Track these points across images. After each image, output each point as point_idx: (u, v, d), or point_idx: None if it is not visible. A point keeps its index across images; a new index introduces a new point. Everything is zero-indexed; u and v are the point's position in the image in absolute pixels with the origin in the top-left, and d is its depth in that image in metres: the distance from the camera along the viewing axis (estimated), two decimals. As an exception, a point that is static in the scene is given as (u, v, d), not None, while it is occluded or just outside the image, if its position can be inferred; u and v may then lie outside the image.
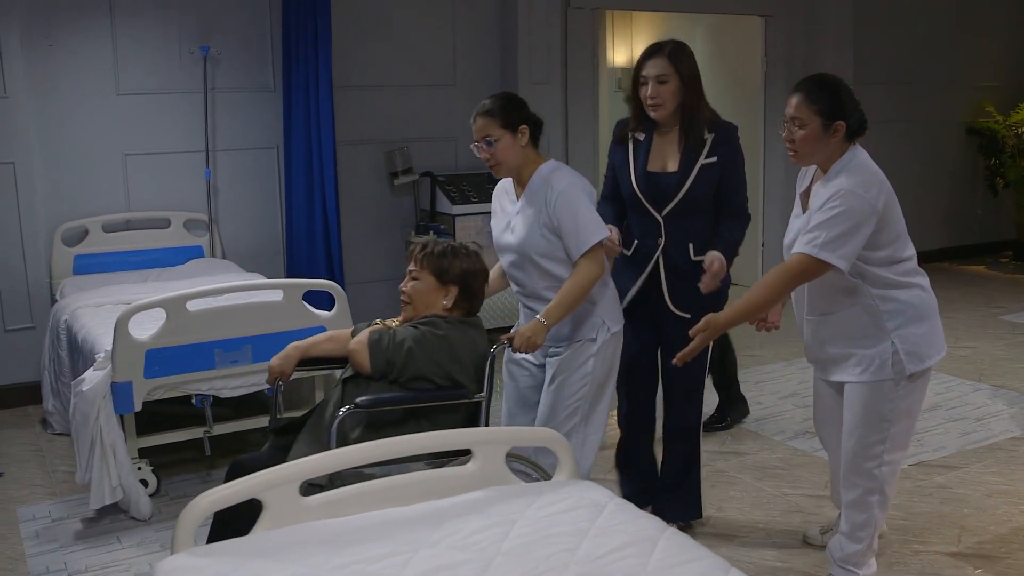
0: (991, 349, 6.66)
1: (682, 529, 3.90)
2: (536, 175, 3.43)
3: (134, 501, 4.16)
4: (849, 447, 3.36)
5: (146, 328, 4.24)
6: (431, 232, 6.65)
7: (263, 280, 5.34)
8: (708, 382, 4.05)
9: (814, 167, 3.33)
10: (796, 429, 5.12)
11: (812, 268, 3.08)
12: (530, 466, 2.95)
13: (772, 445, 4.94)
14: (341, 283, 6.22)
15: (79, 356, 4.71)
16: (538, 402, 3.61)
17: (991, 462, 4.65)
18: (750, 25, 8.35)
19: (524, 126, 3.38)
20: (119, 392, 4.09)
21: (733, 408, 5.21)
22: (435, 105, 7.03)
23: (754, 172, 8.16)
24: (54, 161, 5.88)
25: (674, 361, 3.22)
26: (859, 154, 3.19)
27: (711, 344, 3.79)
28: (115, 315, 4.18)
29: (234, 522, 2.50)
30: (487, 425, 3.23)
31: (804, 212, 3.30)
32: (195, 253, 6.18)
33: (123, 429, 4.17)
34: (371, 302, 6.70)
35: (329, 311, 4.56)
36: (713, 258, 3.58)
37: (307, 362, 3.42)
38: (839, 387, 3.41)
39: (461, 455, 2.78)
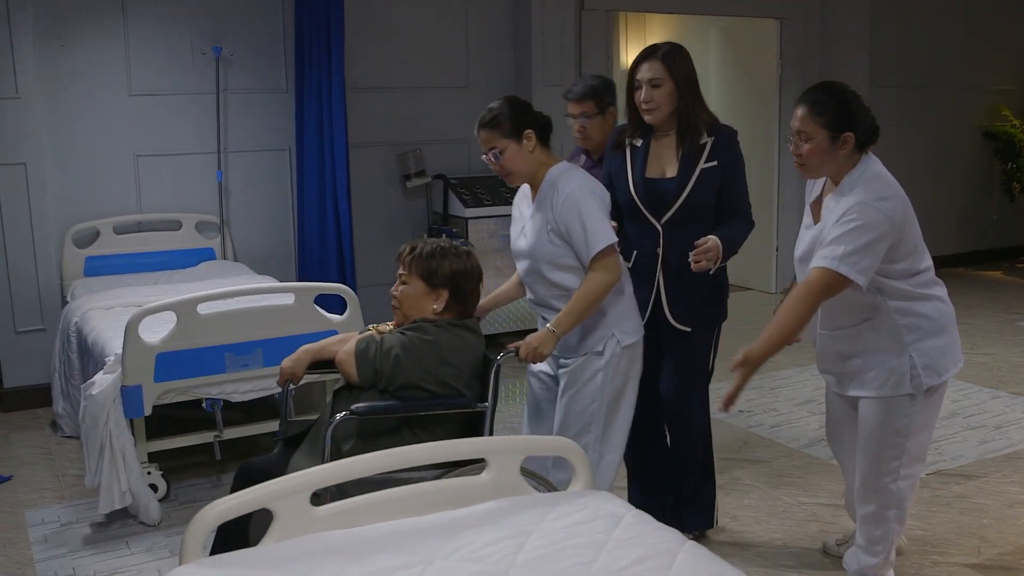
0: (1009, 356, 6.58)
1: (695, 538, 3.85)
2: (546, 179, 3.33)
3: (143, 506, 4.12)
4: (865, 462, 3.30)
5: (156, 331, 4.21)
6: (443, 235, 6.61)
7: (274, 283, 5.31)
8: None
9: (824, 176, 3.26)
10: (812, 436, 5.06)
11: (835, 282, 2.95)
12: (542, 483, 2.89)
13: (788, 452, 4.88)
14: (353, 286, 6.20)
15: (89, 359, 4.68)
16: (554, 414, 3.52)
17: (1010, 471, 4.58)
18: (765, 28, 8.29)
19: (529, 131, 3.28)
20: (129, 396, 4.06)
21: None
22: (448, 107, 6.99)
23: (768, 176, 8.11)
24: (66, 162, 5.86)
25: (719, 408, 3.04)
26: (872, 165, 3.09)
27: (713, 352, 3.74)
28: (125, 317, 4.15)
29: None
30: (491, 435, 3.16)
31: (816, 223, 3.21)
32: (207, 255, 6.16)
33: (133, 433, 4.14)
34: (383, 305, 6.60)
35: (341, 315, 4.52)
36: (708, 238, 3.41)
37: (318, 365, 3.37)
38: (853, 400, 3.34)
39: (461, 465, 2.74)
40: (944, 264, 8.58)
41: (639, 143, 3.63)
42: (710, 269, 3.42)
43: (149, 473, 4.28)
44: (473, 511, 2.34)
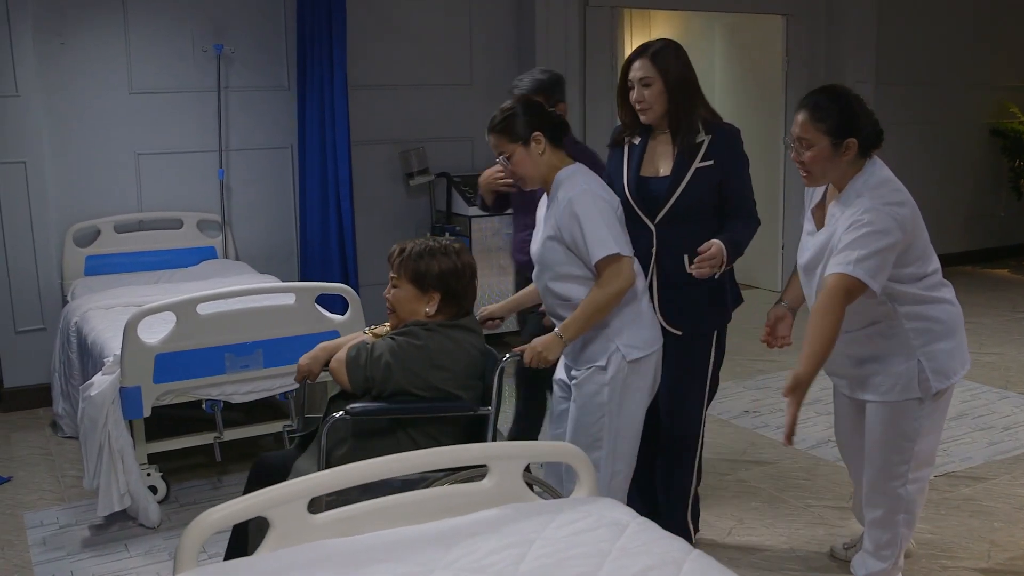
0: (1018, 355, 6.52)
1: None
2: (554, 183, 3.23)
3: (143, 508, 4.08)
4: (872, 467, 3.25)
5: (156, 332, 4.17)
6: (447, 234, 6.57)
7: (276, 283, 5.28)
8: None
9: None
10: (819, 437, 5.01)
11: (853, 287, 2.86)
12: (547, 491, 2.83)
13: (794, 454, 4.83)
14: (355, 285, 6.15)
15: (88, 359, 4.64)
16: None
17: (1020, 473, 4.53)
18: (771, 24, 8.24)
19: (537, 133, 3.17)
20: (128, 397, 4.02)
21: None
22: (451, 105, 6.95)
23: (774, 173, 8.05)
24: (66, 160, 5.82)
25: (783, 443, 2.92)
26: (878, 170, 3.02)
27: (710, 362, 3.61)
28: (125, 317, 4.11)
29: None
30: (494, 439, 3.10)
31: (818, 229, 3.15)
32: (208, 254, 6.12)
33: (132, 434, 4.10)
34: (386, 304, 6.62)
35: (342, 315, 4.47)
36: (711, 243, 3.31)
37: None
38: (860, 403, 3.28)
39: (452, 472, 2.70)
40: (951, 262, 8.55)
41: (637, 141, 3.56)
42: (714, 275, 3.34)
43: (149, 475, 4.24)
44: (474, 519, 2.29)
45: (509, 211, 4.23)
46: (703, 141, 3.43)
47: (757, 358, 6.28)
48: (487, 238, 6.46)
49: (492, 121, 3.22)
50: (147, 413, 4.10)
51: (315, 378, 3.33)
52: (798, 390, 2.84)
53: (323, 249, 6.30)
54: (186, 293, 4.45)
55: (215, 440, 4.36)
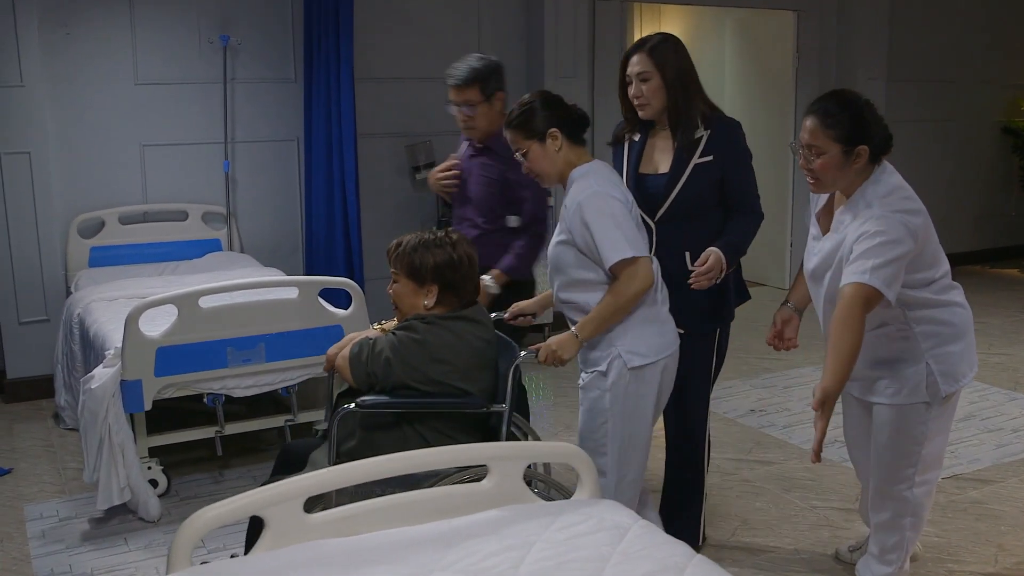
0: (1027, 356, 6.47)
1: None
2: (568, 181, 3.16)
3: (143, 502, 4.06)
4: (879, 469, 3.21)
5: (158, 324, 4.14)
6: (447, 227, 6.52)
7: (280, 276, 5.25)
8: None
9: None
10: (826, 437, 4.94)
11: (871, 295, 2.79)
12: (553, 487, 2.79)
13: (800, 454, 4.79)
14: (360, 279, 6.12)
15: (90, 351, 4.62)
16: None
17: (1028, 476, 4.49)
18: (782, 19, 8.17)
19: (554, 130, 3.10)
20: (128, 390, 4.00)
21: None
22: (459, 98, 6.88)
23: (783, 171, 8.00)
24: (70, 151, 5.80)
25: (812, 460, 2.89)
26: (888, 176, 2.95)
27: (716, 355, 3.57)
28: (127, 309, 4.08)
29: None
30: (507, 439, 3.04)
31: (824, 234, 3.10)
32: (213, 247, 6.09)
33: (132, 428, 4.08)
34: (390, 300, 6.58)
35: (346, 309, 4.44)
36: (708, 254, 3.26)
37: None
38: (868, 405, 3.24)
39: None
40: (960, 261, 8.48)
41: (637, 138, 3.51)
42: (716, 281, 3.29)
43: (149, 468, 4.22)
44: (473, 520, 2.26)
45: None
46: (702, 136, 3.38)
47: (764, 356, 6.23)
48: (493, 233, 6.41)
49: (509, 116, 3.16)
50: (148, 407, 4.08)
51: None
52: (827, 404, 2.77)
53: (328, 242, 6.26)
54: (190, 286, 4.43)
55: (216, 434, 4.33)
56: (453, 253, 3.11)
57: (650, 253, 3.24)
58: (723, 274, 3.29)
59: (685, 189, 3.35)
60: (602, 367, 3.14)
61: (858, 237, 2.86)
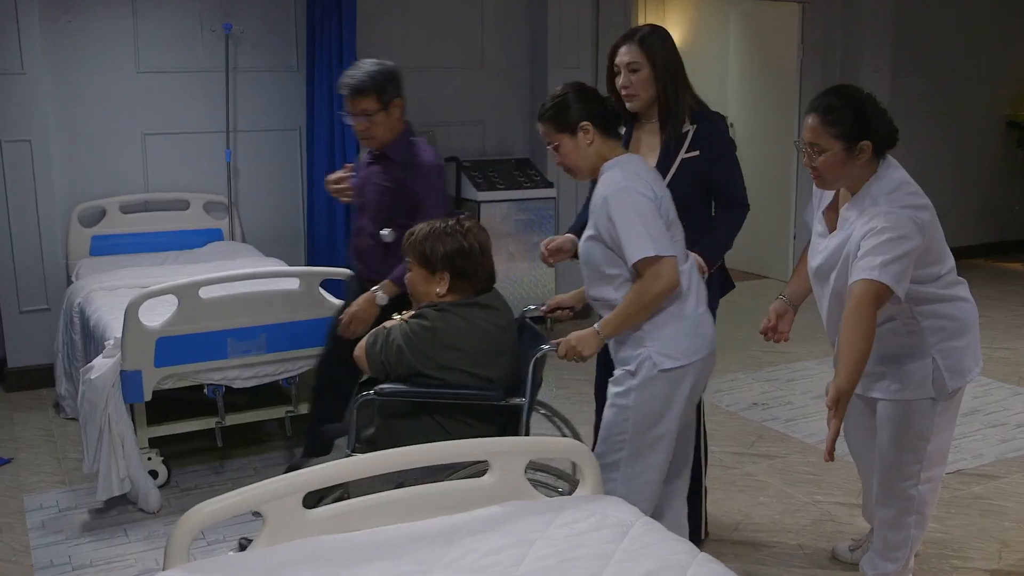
0: (1031, 351, 6.45)
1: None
2: (599, 175, 3.09)
3: (143, 493, 4.04)
4: (884, 466, 3.18)
5: (158, 315, 4.12)
6: (457, 216, 6.50)
7: (281, 266, 5.22)
8: None
9: None
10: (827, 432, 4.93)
11: (882, 292, 2.75)
12: (560, 476, 2.76)
13: (803, 448, 4.77)
14: (362, 269, 6.09)
15: (91, 341, 4.60)
16: None
17: (1032, 472, 4.47)
18: (786, 11, 8.13)
19: (585, 123, 3.00)
20: (128, 381, 3.98)
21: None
22: (462, 88, 6.87)
23: (787, 164, 7.95)
24: (72, 140, 5.78)
25: (825, 459, 2.79)
26: (894, 172, 2.92)
27: None
28: (128, 299, 4.06)
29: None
30: (527, 434, 2.99)
31: (831, 232, 3.07)
32: (214, 236, 6.06)
33: (132, 418, 4.06)
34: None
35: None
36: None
37: None
38: (871, 401, 3.21)
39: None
40: (964, 255, 8.42)
41: (623, 131, 3.46)
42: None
43: (149, 459, 4.20)
44: (474, 516, 2.24)
45: None
46: (688, 131, 3.36)
47: (767, 350, 6.20)
48: (496, 223, 6.37)
49: (542, 108, 3.09)
50: (148, 397, 4.06)
51: None
52: (841, 402, 2.72)
53: (330, 232, 6.23)
54: (191, 275, 4.41)
55: (217, 425, 4.32)
56: (464, 241, 3.11)
57: (685, 251, 3.14)
58: (706, 275, 3.28)
59: (673, 184, 3.30)
60: (631, 367, 3.04)
61: (865, 234, 2.82)
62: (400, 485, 2.59)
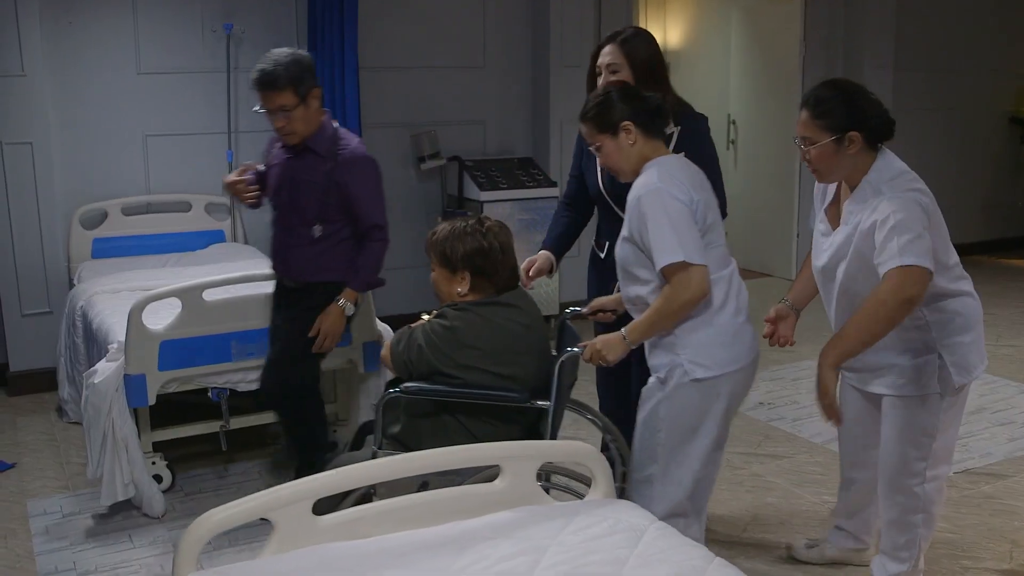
0: (1037, 348, 6.42)
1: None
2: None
3: (147, 498, 4.02)
4: (889, 465, 3.16)
5: (161, 318, 4.09)
6: (457, 218, 6.46)
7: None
8: None
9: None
10: (835, 431, 4.88)
11: (914, 274, 2.71)
12: (574, 477, 2.73)
13: (810, 448, 4.74)
14: (365, 270, 6.06)
15: (94, 345, 4.57)
16: None
17: (1042, 471, 4.44)
18: (788, 8, 8.10)
19: (627, 123, 2.92)
20: (132, 385, 3.95)
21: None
22: (464, 87, 6.84)
23: (789, 161, 7.91)
24: (73, 142, 5.75)
25: (836, 424, 2.85)
26: (891, 162, 2.92)
27: None
28: (131, 302, 4.03)
29: None
30: (554, 438, 2.94)
31: (834, 229, 3.05)
32: (216, 238, 6.04)
33: (136, 423, 4.03)
34: (395, 291, 6.52)
35: (352, 302, 4.39)
36: None
37: None
38: (874, 398, 3.21)
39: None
40: (968, 252, 8.40)
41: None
42: None
43: (153, 463, 4.17)
44: (486, 521, 2.21)
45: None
46: (673, 133, 3.34)
47: (772, 349, 6.15)
48: (499, 224, 6.36)
49: (584, 108, 3.03)
50: (152, 401, 4.03)
51: None
52: (830, 376, 2.87)
53: (332, 233, 6.21)
54: (193, 277, 4.38)
55: (221, 429, 4.29)
56: (483, 241, 3.10)
57: (728, 255, 3.09)
58: None
59: None
60: (661, 374, 2.99)
61: (873, 224, 2.82)
62: (424, 484, 2.59)
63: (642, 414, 3.08)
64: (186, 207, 6.04)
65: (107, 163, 5.86)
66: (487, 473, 2.56)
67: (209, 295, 4.12)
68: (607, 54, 3.34)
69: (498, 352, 3.02)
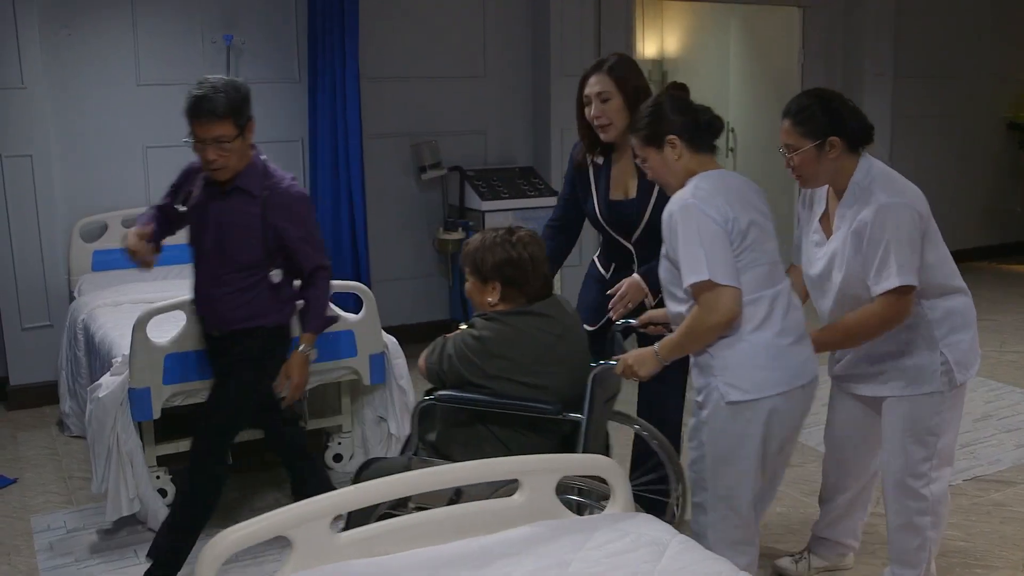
0: (1041, 354, 6.40)
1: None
2: None
3: (152, 512, 3.98)
4: (894, 468, 3.16)
5: (165, 331, 4.06)
6: (459, 228, 6.46)
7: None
8: None
9: (823, 188, 3.13)
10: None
11: (909, 292, 2.89)
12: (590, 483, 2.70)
13: (818, 456, 4.67)
14: (367, 281, 6.05)
15: (96, 358, 4.54)
16: None
17: (1051, 478, 4.42)
18: (787, 16, 8.11)
19: (672, 136, 2.86)
20: (137, 399, 3.91)
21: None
22: (465, 97, 6.83)
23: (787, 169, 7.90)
24: (72, 154, 5.72)
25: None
26: (875, 166, 2.98)
27: (688, 371, 3.40)
28: (134, 315, 4.00)
29: None
30: (587, 451, 2.89)
31: (827, 238, 3.09)
32: (218, 250, 5.99)
33: (141, 437, 4.00)
34: (398, 301, 6.52)
35: (356, 313, 4.36)
36: (621, 284, 3.40)
37: None
38: (872, 402, 3.22)
39: None
40: (968, 258, 8.42)
41: (601, 161, 3.49)
42: (642, 307, 3.33)
43: (158, 478, 4.14)
44: (506, 537, 2.18)
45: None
46: None
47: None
48: (500, 233, 6.34)
49: (635, 119, 2.98)
50: (156, 415, 3.99)
51: None
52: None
53: (334, 244, 6.18)
54: (196, 291, 4.34)
55: (226, 442, 4.24)
56: (513, 251, 3.10)
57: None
58: (648, 296, 3.36)
59: (655, 212, 3.31)
60: (700, 398, 2.92)
61: (866, 229, 2.88)
62: (458, 491, 2.58)
63: (688, 436, 3.07)
64: (187, 219, 6.00)
65: (107, 175, 5.83)
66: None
67: (214, 308, 4.08)
68: (595, 83, 3.37)
69: (527, 362, 3.00)
